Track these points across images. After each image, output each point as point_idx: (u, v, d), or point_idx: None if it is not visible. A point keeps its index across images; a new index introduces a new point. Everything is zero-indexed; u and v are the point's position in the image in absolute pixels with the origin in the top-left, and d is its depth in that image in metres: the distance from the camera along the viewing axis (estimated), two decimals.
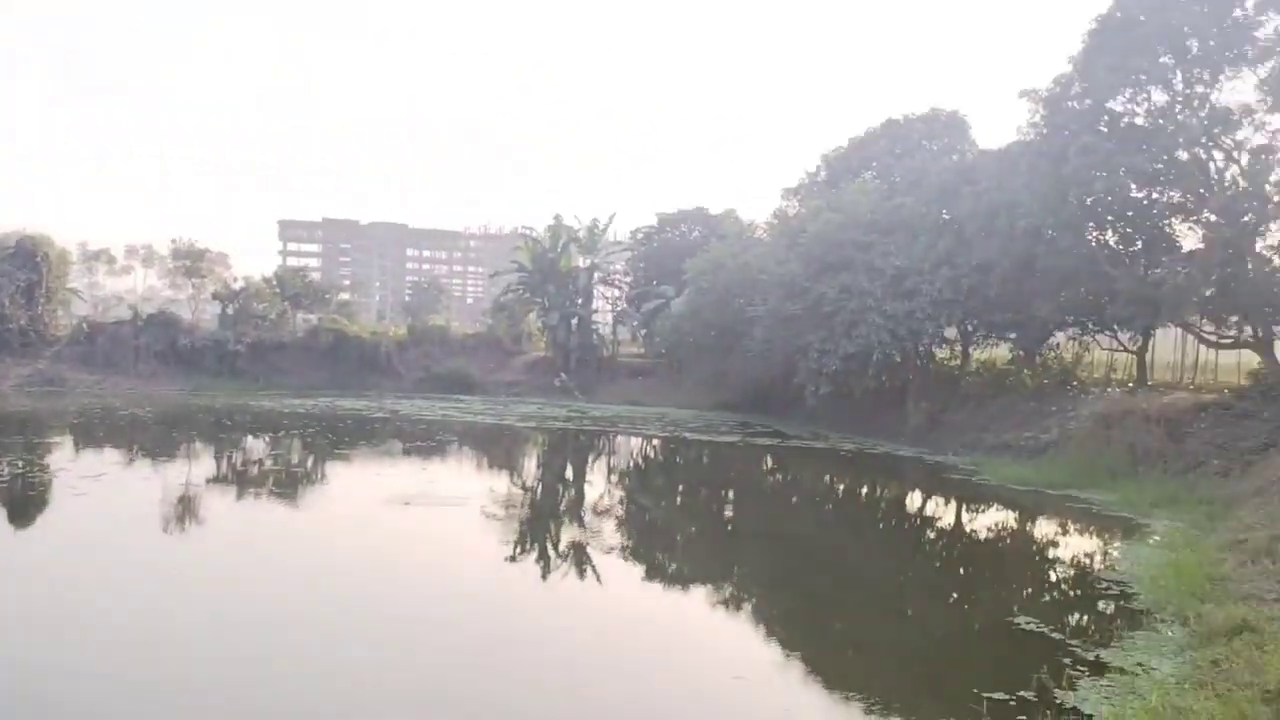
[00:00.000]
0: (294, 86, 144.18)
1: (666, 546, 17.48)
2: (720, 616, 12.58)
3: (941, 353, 35.43)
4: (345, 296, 67.86)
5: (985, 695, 8.49)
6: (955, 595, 14.47)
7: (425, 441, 29.19)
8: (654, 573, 15.06)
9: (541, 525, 18.41)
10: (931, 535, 19.49)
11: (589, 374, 49.28)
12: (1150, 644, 10.03)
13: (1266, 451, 19.98)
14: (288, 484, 21.34)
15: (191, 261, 50.51)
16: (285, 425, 31.50)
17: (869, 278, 31.28)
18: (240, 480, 21.87)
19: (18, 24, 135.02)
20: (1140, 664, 9.32)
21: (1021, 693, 8.66)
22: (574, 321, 50.60)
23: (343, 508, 18.84)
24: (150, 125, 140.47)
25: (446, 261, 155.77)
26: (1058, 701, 8.47)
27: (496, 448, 30.60)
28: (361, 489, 20.85)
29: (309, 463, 24.82)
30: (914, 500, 23.35)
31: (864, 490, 24.86)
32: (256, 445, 28.01)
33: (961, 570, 16.55)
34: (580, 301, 51.58)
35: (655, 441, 33.03)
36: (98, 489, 18.17)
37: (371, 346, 48.15)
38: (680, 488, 25.53)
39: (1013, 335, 32.04)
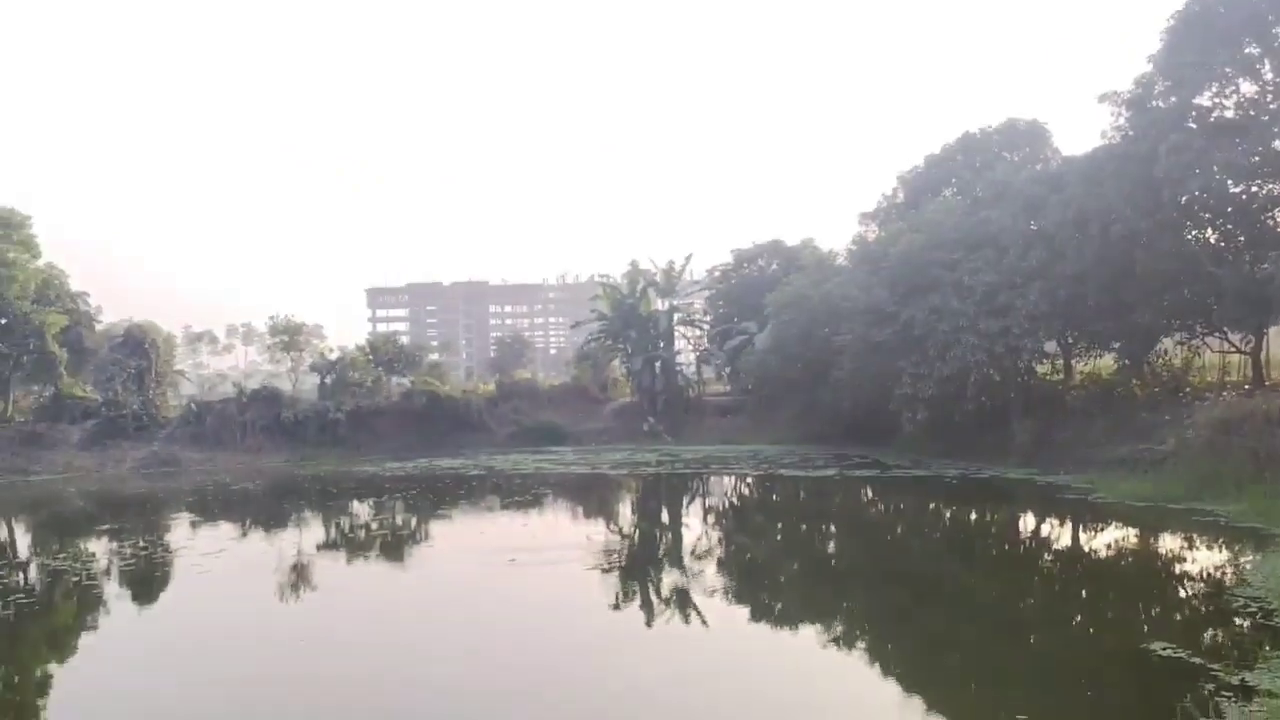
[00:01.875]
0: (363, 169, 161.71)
1: (770, 586, 17.30)
2: (834, 655, 12.31)
3: (1042, 368, 34.29)
4: (434, 357, 69.21)
5: None
6: (1080, 620, 13.85)
7: (522, 495, 29.43)
8: (760, 614, 14.85)
9: (642, 572, 18.25)
10: (1050, 559, 18.76)
11: (676, 416, 49.05)
12: None
13: None
14: (396, 546, 21.73)
15: (289, 336, 52.40)
16: (388, 488, 32.07)
17: (959, 297, 30.58)
18: (351, 545, 22.32)
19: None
20: None
21: None
22: (657, 365, 50.53)
23: (450, 566, 19.04)
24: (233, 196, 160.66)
25: (527, 314, 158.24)
26: None
27: (591, 496, 30.68)
28: (466, 547, 21.12)
29: (414, 523, 25.22)
30: (1028, 524, 22.58)
31: (974, 517, 23.99)
32: (362, 510, 28.54)
33: (1084, 594, 15.78)
34: (662, 344, 51.47)
35: (749, 480, 32.71)
36: (219, 564, 18.69)
37: (463, 405, 48.64)
38: (779, 525, 25.11)
39: (1116, 344, 30.77)
